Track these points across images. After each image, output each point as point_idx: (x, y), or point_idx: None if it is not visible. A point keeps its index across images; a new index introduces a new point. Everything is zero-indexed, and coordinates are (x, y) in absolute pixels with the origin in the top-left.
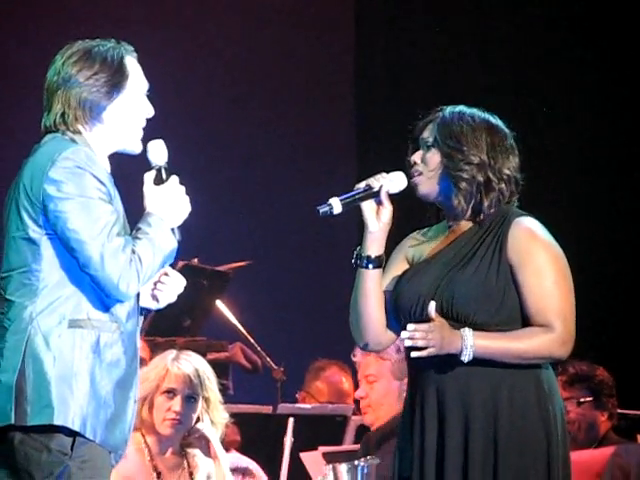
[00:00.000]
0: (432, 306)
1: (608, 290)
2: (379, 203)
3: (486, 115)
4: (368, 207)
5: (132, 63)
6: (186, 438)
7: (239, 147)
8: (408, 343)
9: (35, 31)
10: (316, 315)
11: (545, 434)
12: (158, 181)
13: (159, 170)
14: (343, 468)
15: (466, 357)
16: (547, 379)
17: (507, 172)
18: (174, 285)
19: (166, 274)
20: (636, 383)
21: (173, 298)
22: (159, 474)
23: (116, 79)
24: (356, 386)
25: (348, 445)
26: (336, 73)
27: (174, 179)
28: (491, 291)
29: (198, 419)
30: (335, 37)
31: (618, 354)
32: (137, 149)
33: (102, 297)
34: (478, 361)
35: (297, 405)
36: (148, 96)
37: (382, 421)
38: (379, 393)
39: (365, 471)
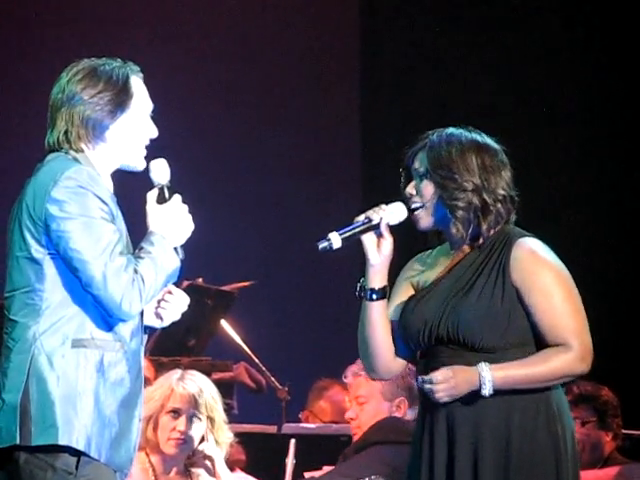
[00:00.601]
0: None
1: (612, 310)
2: (379, 235)
3: (473, 135)
4: (369, 240)
5: (137, 83)
6: (190, 458)
7: (243, 166)
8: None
9: (39, 47)
10: (320, 335)
11: (554, 457)
12: (161, 200)
13: (162, 189)
14: None
15: (487, 391)
16: (557, 399)
17: (501, 192)
18: (178, 303)
19: (170, 292)
20: None
21: (177, 316)
22: None
23: (120, 98)
24: None
25: None
26: (341, 84)
27: (177, 198)
28: (496, 315)
29: (203, 439)
30: (340, 44)
31: (622, 374)
32: (140, 166)
33: (105, 316)
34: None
35: (301, 425)
36: (152, 116)
37: None
38: (369, 414)
39: None
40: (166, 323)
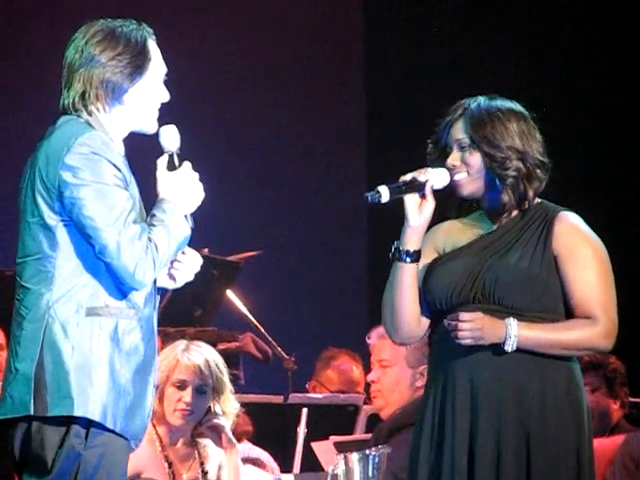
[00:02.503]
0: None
1: (621, 279)
2: (423, 197)
3: (507, 103)
4: (411, 200)
5: (153, 46)
6: (197, 428)
7: (250, 136)
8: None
9: (48, 12)
10: (326, 304)
11: (575, 425)
12: (171, 167)
13: (171, 156)
14: (354, 457)
15: (509, 347)
16: (576, 370)
17: (540, 157)
18: (191, 263)
19: (183, 252)
20: None
21: (190, 277)
22: (170, 464)
23: (139, 61)
24: (367, 373)
25: (359, 434)
26: (347, 57)
27: (187, 165)
28: (534, 278)
29: (209, 409)
30: (344, 31)
31: (628, 342)
32: (152, 129)
33: (119, 284)
34: (512, 352)
35: (308, 395)
36: (163, 81)
37: (392, 408)
38: (391, 379)
39: (376, 460)
40: (179, 284)
